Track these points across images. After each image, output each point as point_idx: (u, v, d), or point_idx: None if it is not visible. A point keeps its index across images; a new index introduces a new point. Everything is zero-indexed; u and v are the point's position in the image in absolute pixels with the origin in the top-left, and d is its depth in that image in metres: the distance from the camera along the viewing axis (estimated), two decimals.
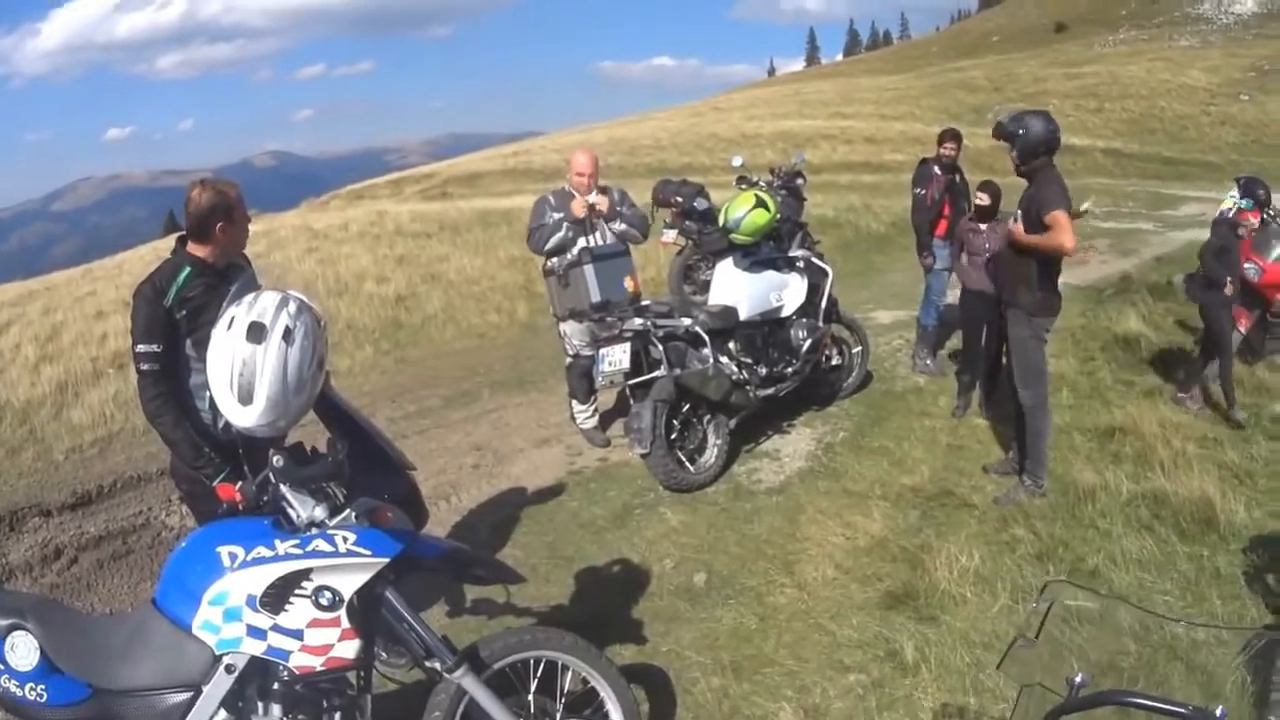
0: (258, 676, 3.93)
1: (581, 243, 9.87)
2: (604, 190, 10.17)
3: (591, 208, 9.87)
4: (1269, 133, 62.10)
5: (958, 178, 12.90)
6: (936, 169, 12.66)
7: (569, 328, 10.05)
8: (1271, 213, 14.15)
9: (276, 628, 3.88)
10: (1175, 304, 16.17)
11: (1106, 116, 67.40)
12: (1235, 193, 15.42)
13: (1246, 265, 12.49)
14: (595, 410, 10.63)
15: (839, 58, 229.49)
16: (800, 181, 16.57)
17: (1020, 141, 8.34)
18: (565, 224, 9.86)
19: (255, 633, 3.86)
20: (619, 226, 10.08)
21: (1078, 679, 2.87)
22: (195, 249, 5.61)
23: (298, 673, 3.92)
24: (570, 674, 4.74)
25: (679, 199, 15.05)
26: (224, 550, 3.91)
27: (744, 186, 14.21)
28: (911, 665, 6.25)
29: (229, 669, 3.85)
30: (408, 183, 59.09)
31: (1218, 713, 2.54)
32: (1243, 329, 12.31)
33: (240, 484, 4.37)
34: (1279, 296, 12.58)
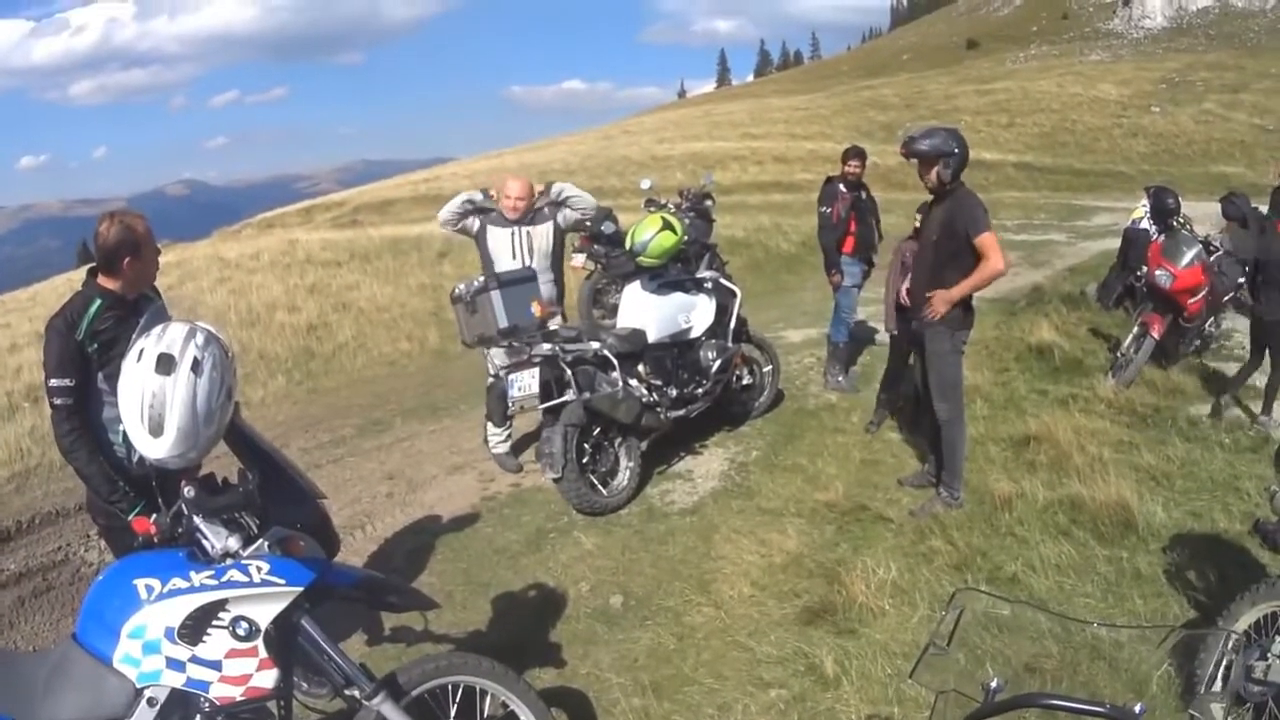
0: (179, 708, 3.91)
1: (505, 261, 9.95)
2: (537, 210, 10.27)
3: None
4: (1179, 143, 63.15)
5: (864, 195, 12.96)
6: (842, 187, 12.70)
7: (495, 351, 10.05)
8: (1180, 220, 14.42)
9: (195, 659, 3.87)
10: (1088, 313, 16.42)
11: (1018, 131, 68.08)
12: (1145, 202, 15.73)
13: (1158, 272, 12.74)
14: (509, 435, 10.60)
15: (750, 78, 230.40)
16: (709, 203, 16.72)
17: (956, 160, 8.43)
18: (466, 201, 10.05)
19: (175, 664, 3.85)
20: (572, 215, 10.31)
21: (993, 683, 2.91)
22: (105, 281, 5.59)
23: (218, 703, 3.91)
24: (489, 698, 4.75)
25: (587, 223, 15.12)
26: (141, 583, 3.91)
27: (652, 209, 14.32)
28: (832, 679, 6.29)
29: (151, 702, 3.83)
30: (319, 210, 58.63)
31: (1137, 709, 2.59)
32: (1156, 335, 12.53)
33: (155, 516, 4.34)
34: (1191, 301, 12.78)
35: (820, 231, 12.96)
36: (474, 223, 10.17)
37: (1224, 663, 5.51)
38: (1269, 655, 5.61)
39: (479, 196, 10.25)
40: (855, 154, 12.97)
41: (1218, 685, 5.52)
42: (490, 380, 10.30)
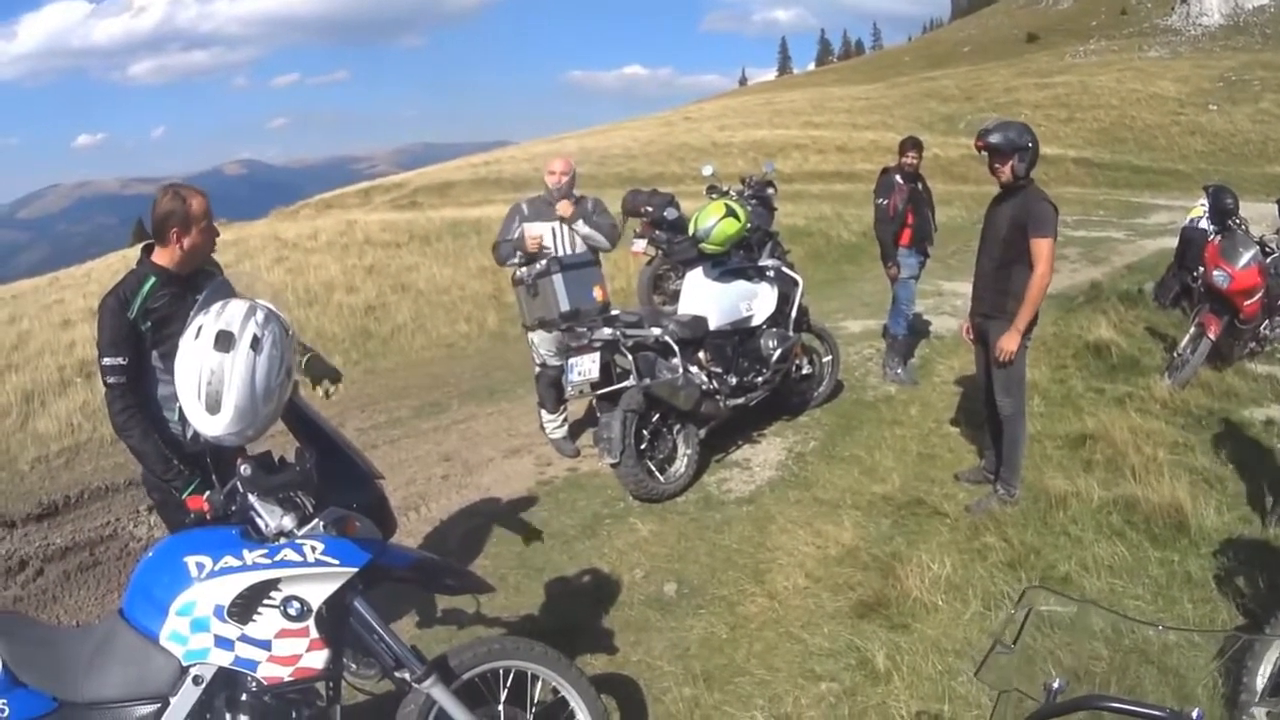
0: (226, 687, 3.90)
1: (551, 249, 9.85)
2: (579, 200, 10.14)
3: (563, 219, 9.85)
4: (1235, 142, 62.62)
5: (920, 186, 12.90)
6: (898, 178, 12.60)
7: (537, 337, 10.04)
8: (1238, 220, 14.25)
9: (244, 638, 3.85)
10: (1146, 311, 16.25)
11: (1077, 126, 67.66)
12: (1204, 201, 15.56)
13: (1215, 272, 12.59)
14: (565, 420, 10.62)
15: (811, 67, 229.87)
16: (771, 191, 16.58)
17: (1030, 155, 8.37)
18: (517, 251, 9.84)
19: (223, 643, 3.83)
20: (584, 229, 10.02)
21: (1054, 684, 2.85)
22: (159, 257, 5.58)
23: (266, 683, 3.90)
24: (540, 684, 4.74)
25: (649, 208, 15.03)
26: (191, 560, 3.88)
27: (714, 196, 14.23)
28: (883, 673, 6.25)
29: (196, 680, 3.82)
30: (377, 192, 58.94)
31: (1194, 715, 2.51)
32: (1213, 336, 12.38)
33: (208, 494, 4.33)
34: (1247, 303, 12.64)
35: (876, 224, 12.92)
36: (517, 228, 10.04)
37: (1273, 671, 5.44)
38: None
39: (525, 209, 10.18)
40: (913, 145, 12.89)
41: (1269, 694, 5.45)
42: (537, 369, 10.31)
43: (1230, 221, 14.31)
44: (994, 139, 8.36)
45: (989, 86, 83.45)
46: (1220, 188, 15.51)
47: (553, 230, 9.91)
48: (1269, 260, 13.45)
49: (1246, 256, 12.73)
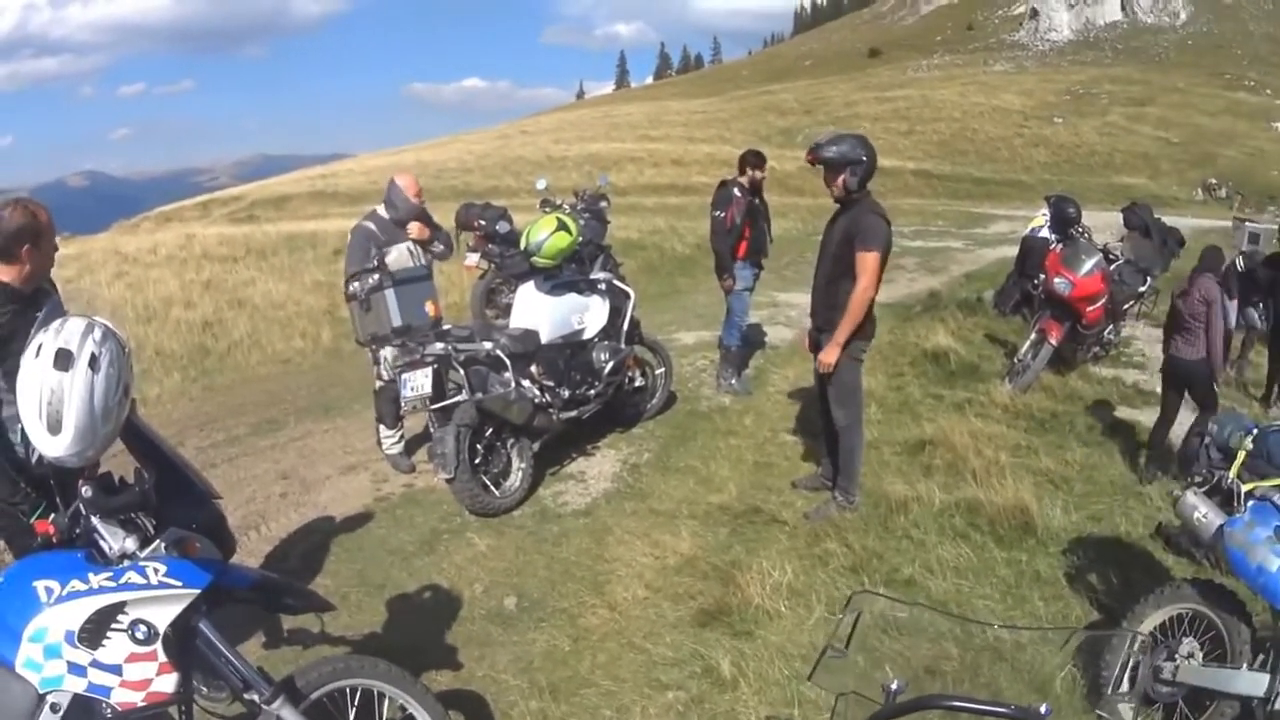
0: (82, 715, 3.82)
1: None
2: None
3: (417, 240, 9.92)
4: (1081, 153, 64.35)
5: (758, 200, 12.96)
6: (737, 191, 12.64)
7: (388, 351, 9.95)
8: (1080, 229, 14.67)
9: (96, 663, 3.80)
10: (985, 319, 16.63)
11: (917, 139, 68.79)
12: (1046, 210, 15.99)
13: (1057, 279, 12.98)
14: (402, 436, 10.59)
15: (649, 80, 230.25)
16: (604, 204, 16.77)
17: (863, 168, 8.48)
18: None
19: (76, 669, 3.77)
20: (438, 248, 10.17)
21: (893, 685, 2.92)
22: (3, 274, 5.43)
23: (120, 709, 3.84)
24: (388, 702, 4.75)
25: (482, 222, 15.14)
26: (41, 585, 3.83)
27: (547, 209, 14.35)
28: (730, 680, 6.38)
29: (54, 708, 3.75)
30: (216, 205, 58.05)
31: (1042, 710, 2.61)
32: (1054, 341, 12.76)
33: (53, 516, 4.30)
34: (1090, 309, 13.01)
35: (713, 236, 12.99)
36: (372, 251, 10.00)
37: (1130, 664, 5.68)
38: (1177, 657, 5.80)
39: (376, 229, 10.19)
40: (756, 158, 12.97)
41: (1125, 686, 5.68)
42: (379, 384, 10.24)
43: (1072, 230, 14.75)
44: (825, 153, 8.48)
45: (829, 100, 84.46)
46: (1062, 197, 15.99)
47: (408, 250, 9.90)
48: (1113, 267, 13.88)
49: (1089, 264, 13.17)
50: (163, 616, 3.94)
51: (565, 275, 10.82)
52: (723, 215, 12.60)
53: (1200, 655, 5.83)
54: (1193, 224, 20.33)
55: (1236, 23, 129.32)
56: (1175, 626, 6.04)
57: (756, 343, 15.52)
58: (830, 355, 8.55)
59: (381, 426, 10.47)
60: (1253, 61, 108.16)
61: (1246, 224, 18.27)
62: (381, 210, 10.24)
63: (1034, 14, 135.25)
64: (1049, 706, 2.63)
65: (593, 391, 10.59)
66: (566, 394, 10.24)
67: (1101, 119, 72.74)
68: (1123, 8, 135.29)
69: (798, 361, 12.80)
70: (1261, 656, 5.62)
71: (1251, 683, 5.51)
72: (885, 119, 73.89)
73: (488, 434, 9.35)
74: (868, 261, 8.39)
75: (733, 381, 13.34)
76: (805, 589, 7.55)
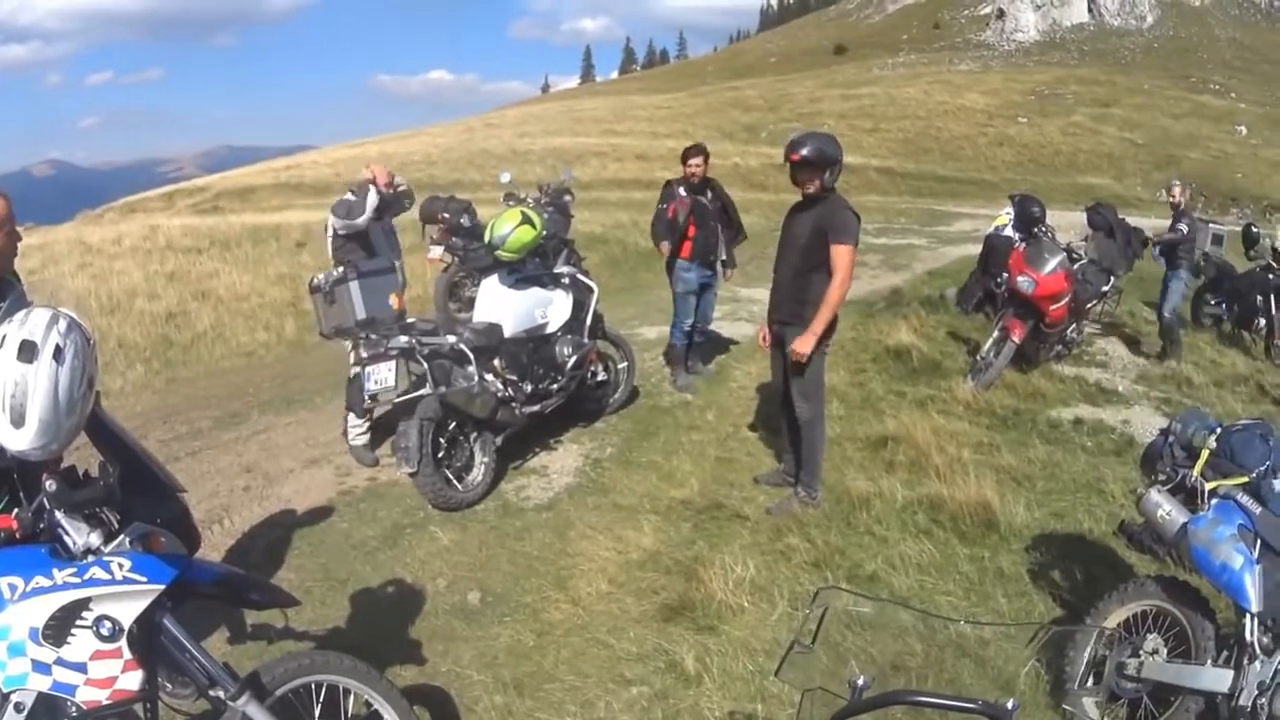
0: (47, 714, 3.77)
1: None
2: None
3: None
4: (1045, 153, 64.60)
5: (709, 197, 12.82)
6: (682, 191, 12.60)
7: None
8: (1044, 228, 14.75)
9: (60, 661, 3.73)
10: (948, 316, 16.69)
11: (882, 136, 68.93)
12: (1009, 209, 16.07)
13: (1020, 278, 13.04)
14: (369, 427, 10.58)
15: (614, 75, 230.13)
16: (568, 198, 16.77)
17: (840, 166, 8.60)
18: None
19: (40, 667, 3.70)
20: (402, 187, 10.76)
21: (859, 681, 2.94)
22: None
23: (85, 708, 3.78)
24: (353, 697, 4.76)
25: (446, 215, 15.19)
26: (4, 582, 3.75)
27: (511, 203, 14.32)
28: (694, 675, 6.39)
29: (18, 707, 3.69)
30: (181, 196, 57.72)
31: (1009, 705, 2.64)
32: (1017, 339, 12.83)
33: (16, 511, 4.20)
34: (1053, 308, 13.08)
35: (652, 224, 13.14)
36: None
37: (1095, 660, 5.75)
38: (1141, 653, 5.86)
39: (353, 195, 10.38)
40: (696, 152, 12.72)
41: (1089, 682, 5.75)
42: (354, 372, 10.12)
43: (1036, 229, 14.83)
44: (808, 153, 8.51)
45: (793, 97, 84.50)
46: (1026, 196, 16.09)
47: (375, 192, 10.56)
48: (1076, 266, 13.97)
49: (1053, 263, 13.24)
50: (128, 612, 3.89)
51: (529, 269, 10.84)
52: (665, 207, 12.62)
53: (1164, 651, 5.87)
54: (1156, 224, 20.43)
55: (1203, 27, 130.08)
56: (1139, 623, 6.09)
57: (718, 338, 15.66)
58: (805, 345, 8.54)
59: (350, 415, 10.43)
60: (1218, 65, 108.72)
61: (1210, 225, 18.38)
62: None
63: (1000, 14, 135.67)
64: (1016, 701, 2.65)
65: (556, 386, 10.60)
66: (530, 388, 10.23)
67: (1066, 119, 72.97)
68: (1089, 10, 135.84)
69: (760, 357, 12.75)
70: (1225, 653, 5.65)
71: (1215, 679, 5.56)
72: (850, 116, 73.97)
73: (451, 428, 9.36)
74: (844, 255, 8.46)
75: (679, 380, 13.34)
76: (768, 584, 7.57)
